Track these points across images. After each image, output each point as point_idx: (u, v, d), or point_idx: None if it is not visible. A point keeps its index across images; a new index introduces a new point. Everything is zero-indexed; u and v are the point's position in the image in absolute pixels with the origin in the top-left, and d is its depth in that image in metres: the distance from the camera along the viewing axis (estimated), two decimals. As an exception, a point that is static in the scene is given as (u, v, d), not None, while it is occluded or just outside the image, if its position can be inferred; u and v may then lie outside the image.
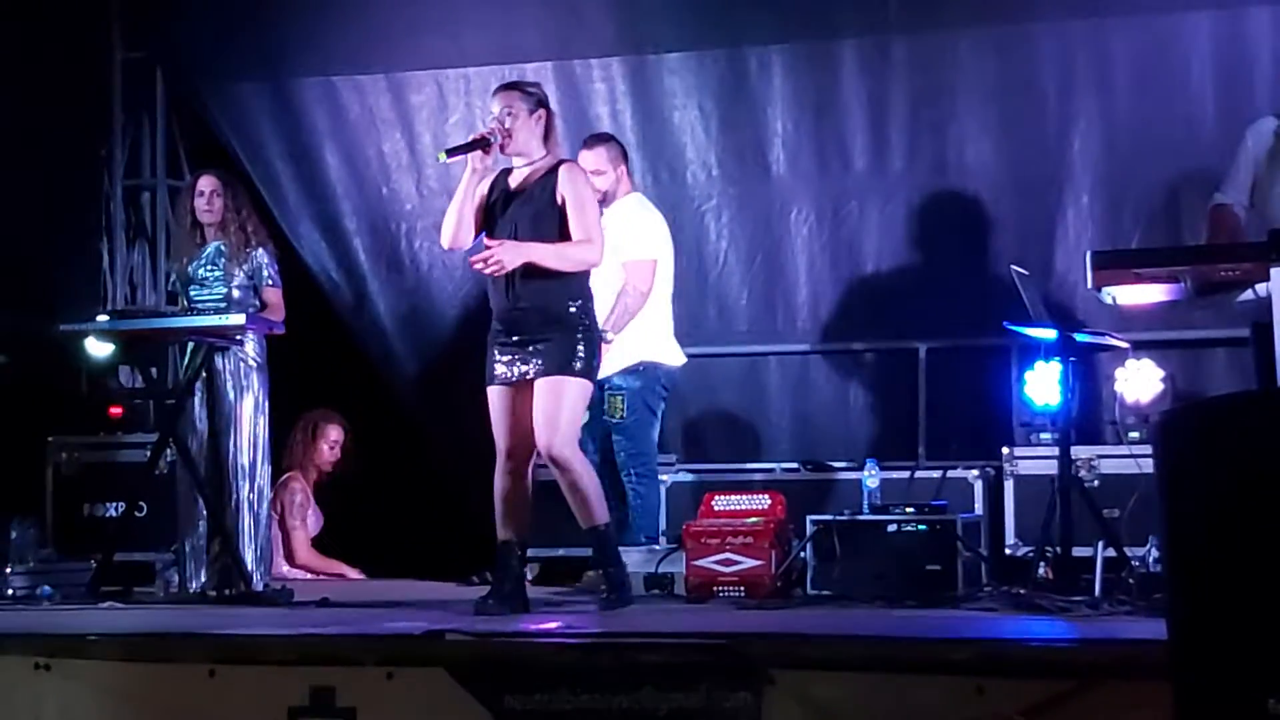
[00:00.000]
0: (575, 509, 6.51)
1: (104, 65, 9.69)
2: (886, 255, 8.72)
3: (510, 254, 6.28)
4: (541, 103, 6.52)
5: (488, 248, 6.28)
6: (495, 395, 6.47)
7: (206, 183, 7.73)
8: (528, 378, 6.39)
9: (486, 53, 9.02)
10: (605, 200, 7.42)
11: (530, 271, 6.35)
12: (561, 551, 8.02)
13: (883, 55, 8.65)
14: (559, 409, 6.34)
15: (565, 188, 6.41)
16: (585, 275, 6.50)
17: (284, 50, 9.24)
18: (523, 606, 6.46)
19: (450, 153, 6.47)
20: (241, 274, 7.60)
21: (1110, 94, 8.35)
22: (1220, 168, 6.68)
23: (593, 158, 7.58)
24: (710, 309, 8.96)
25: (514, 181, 6.50)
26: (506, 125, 6.42)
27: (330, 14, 9.03)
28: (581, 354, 6.38)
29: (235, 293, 7.57)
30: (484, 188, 6.51)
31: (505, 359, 6.42)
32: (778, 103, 8.79)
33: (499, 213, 6.46)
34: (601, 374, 7.07)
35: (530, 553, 8.06)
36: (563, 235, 6.38)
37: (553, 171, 6.46)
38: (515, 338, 6.40)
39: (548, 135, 6.53)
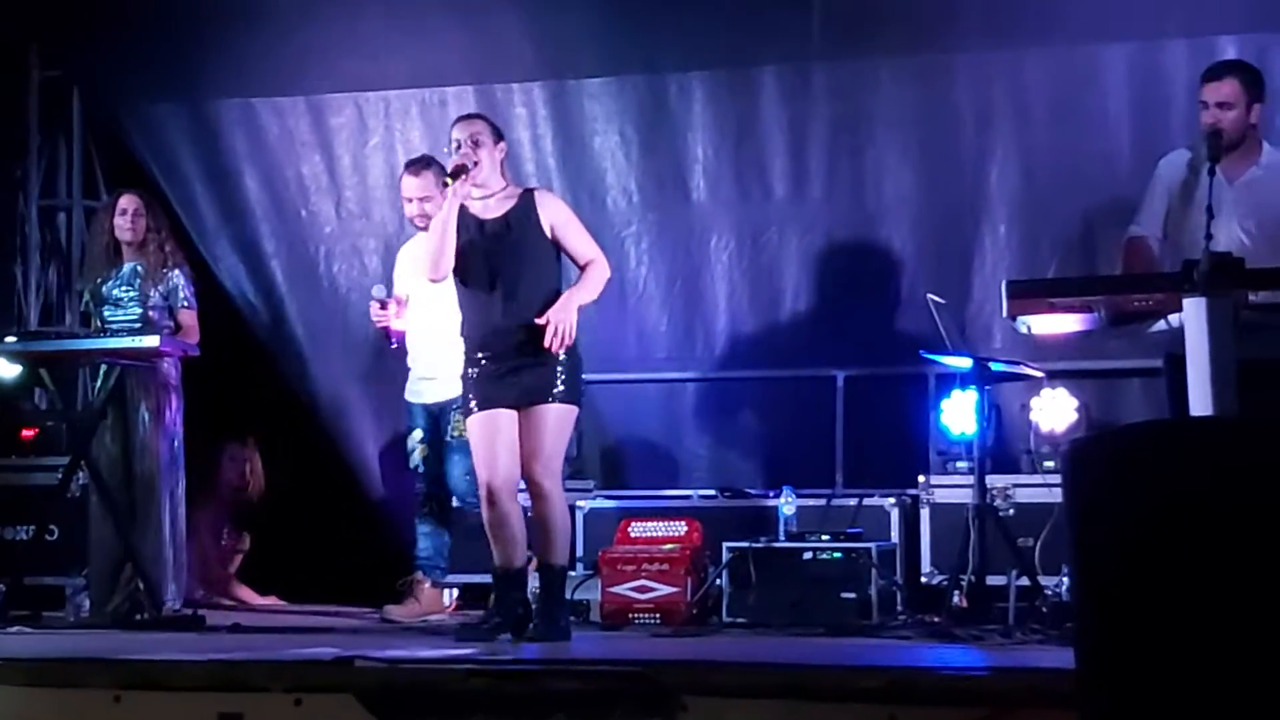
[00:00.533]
0: (539, 540, 6.46)
1: (20, 84, 9.58)
2: (805, 282, 8.73)
3: (571, 313, 6.37)
4: (501, 135, 6.64)
5: (549, 322, 6.29)
6: (480, 422, 6.42)
7: (129, 201, 7.70)
8: (511, 405, 6.36)
9: (407, 76, 8.99)
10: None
11: (513, 298, 6.34)
12: (479, 578, 7.96)
13: (803, 83, 8.67)
14: (544, 436, 6.35)
15: (550, 214, 6.49)
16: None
17: (203, 71, 9.17)
18: (519, 633, 6.43)
19: (454, 177, 6.39)
20: (157, 295, 7.55)
21: (1028, 124, 8.41)
22: (1136, 199, 6.73)
23: (419, 184, 7.49)
24: (629, 335, 8.94)
25: (480, 213, 6.48)
26: (477, 154, 6.41)
27: (250, 35, 8.96)
28: (564, 379, 6.37)
29: (151, 314, 7.52)
30: (455, 214, 6.47)
31: (490, 386, 6.39)
32: (698, 129, 8.80)
33: (472, 244, 6.44)
34: (448, 395, 7.23)
35: (451, 578, 8.08)
36: (548, 259, 6.45)
37: (526, 201, 6.49)
38: (497, 364, 6.38)
39: (503, 166, 6.59)
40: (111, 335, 7.40)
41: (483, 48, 8.89)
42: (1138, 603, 3.62)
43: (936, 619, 6.61)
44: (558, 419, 6.38)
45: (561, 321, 6.29)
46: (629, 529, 7.44)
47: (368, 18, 8.86)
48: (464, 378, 6.50)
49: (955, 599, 6.78)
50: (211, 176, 9.34)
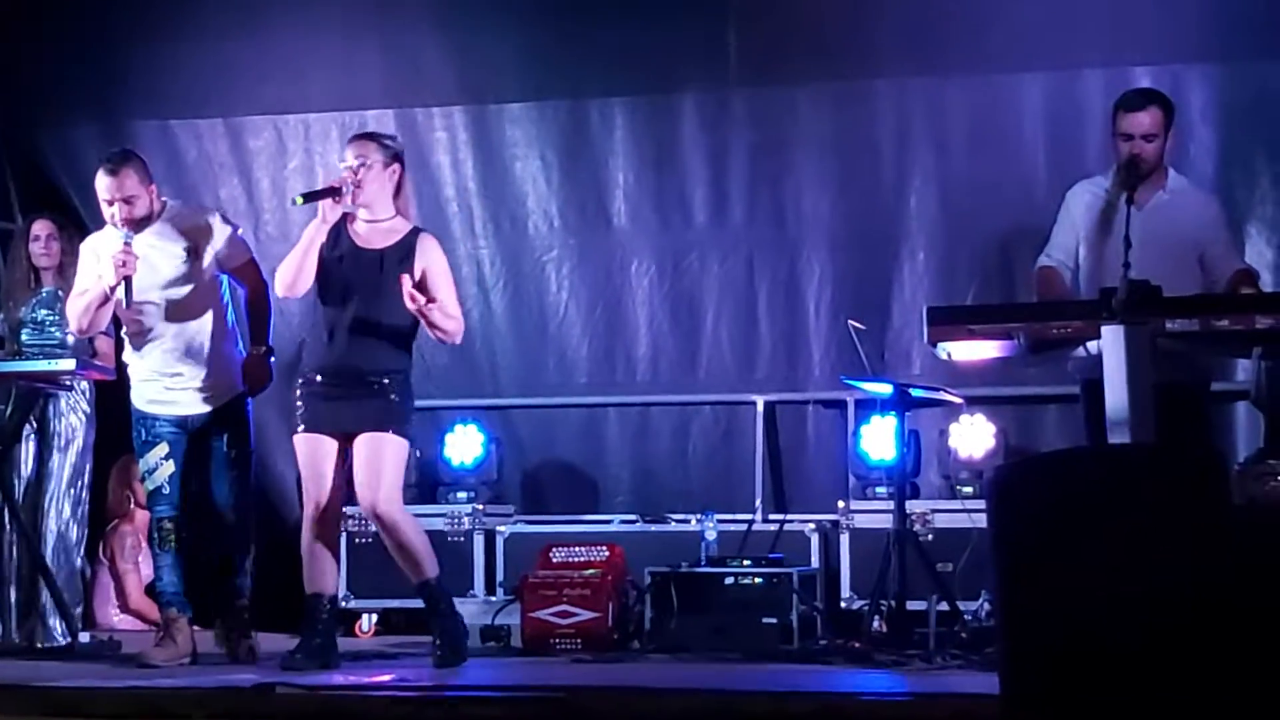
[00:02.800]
0: (405, 566, 6.42)
1: (-66, 105, 9.48)
2: (726, 308, 8.75)
3: (426, 308, 6.30)
4: (397, 157, 6.54)
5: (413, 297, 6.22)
6: (306, 444, 6.40)
7: (41, 227, 7.65)
8: (344, 429, 6.32)
9: (327, 99, 8.96)
10: (143, 224, 6.70)
11: (366, 331, 6.30)
12: (396, 603, 7.93)
13: (723, 109, 8.70)
14: (382, 467, 6.30)
15: (426, 261, 6.44)
16: (410, 339, 6.47)
17: (120, 93, 9.10)
18: (333, 661, 6.38)
19: (306, 198, 6.41)
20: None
21: (946, 151, 8.47)
22: (1052, 226, 6.80)
23: (124, 184, 6.65)
24: (550, 360, 8.93)
25: (358, 237, 6.45)
26: (359, 175, 6.37)
27: (168, 57, 8.91)
28: (399, 414, 6.35)
29: (70, 338, 7.45)
30: (322, 236, 6.45)
31: (321, 407, 6.36)
32: (619, 154, 8.81)
33: (340, 266, 6.40)
34: (215, 402, 6.74)
35: (368, 604, 8.03)
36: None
37: (408, 243, 6.45)
38: (335, 390, 6.34)
39: (398, 192, 6.52)
40: (28, 359, 7.32)
41: (403, 71, 8.87)
42: (1059, 626, 3.65)
43: (857, 644, 6.63)
44: (396, 449, 6.37)
45: (420, 300, 6.24)
46: (550, 554, 7.43)
47: (288, 40, 8.83)
48: (295, 395, 6.47)
49: (875, 624, 6.81)
50: (128, 199, 9.26)
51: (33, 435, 7.44)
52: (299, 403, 6.43)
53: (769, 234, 8.71)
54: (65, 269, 7.53)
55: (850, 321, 7.18)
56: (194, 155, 9.19)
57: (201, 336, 6.68)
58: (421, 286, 6.37)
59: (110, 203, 6.68)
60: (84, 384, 7.40)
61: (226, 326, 6.77)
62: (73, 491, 7.45)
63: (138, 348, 6.78)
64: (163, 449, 6.71)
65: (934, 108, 8.48)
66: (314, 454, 6.38)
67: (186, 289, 6.67)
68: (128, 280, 6.51)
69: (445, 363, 8.86)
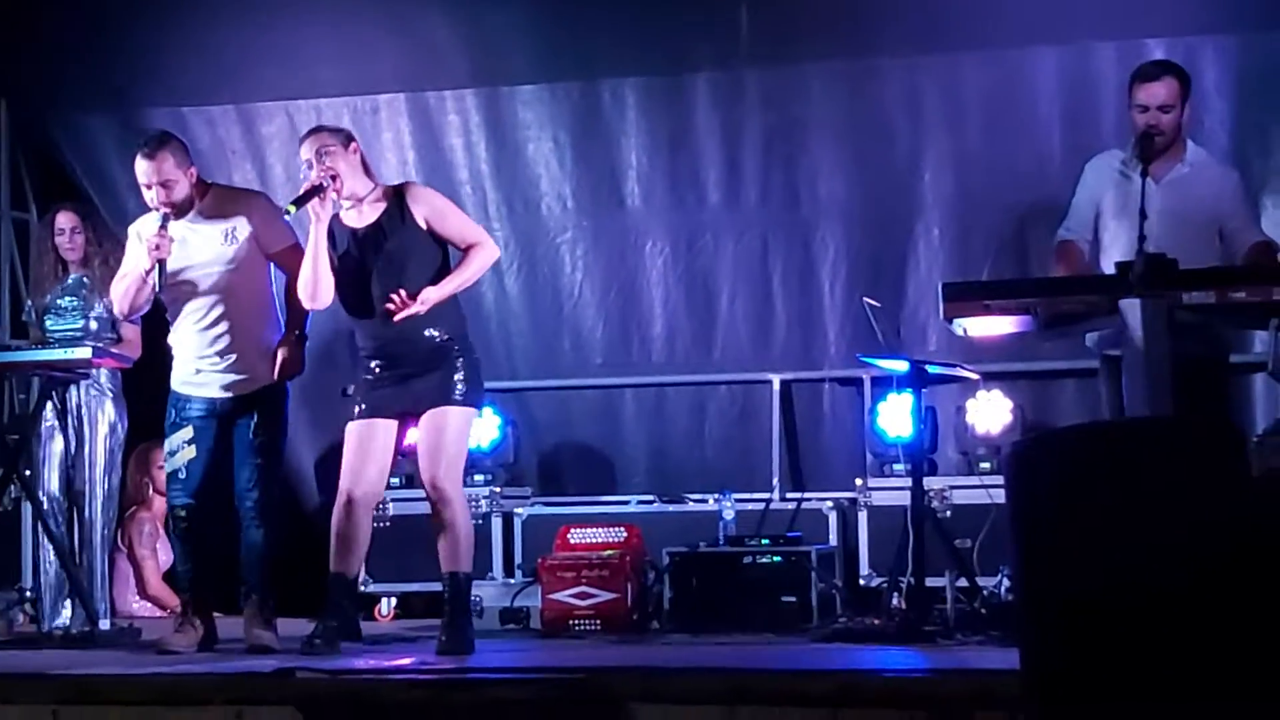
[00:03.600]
0: (442, 548, 6.34)
1: (-54, 96, 9.49)
2: (741, 287, 8.74)
3: (435, 296, 6.24)
4: (350, 136, 6.50)
5: (396, 303, 6.18)
6: (359, 429, 6.36)
7: (66, 219, 7.65)
8: (406, 411, 6.31)
9: (339, 84, 8.95)
10: (182, 211, 6.63)
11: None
12: (416, 587, 7.95)
13: (735, 88, 8.69)
14: (443, 439, 6.27)
15: (422, 208, 6.38)
16: (458, 304, 6.43)
17: (132, 81, 9.10)
18: (354, 636, 6.41)
19: (297, 204, 6.31)
20: (101, 306, 7.50)
21: (959, 128, 8.45)
22: (1067, 200, 6.78)
23: (161, 168, 6.57)
24: (565, 341, 8.94)
25: (354, 222, 6.42)
26: (328, 164, 6.32)
27: (180, 45, 8.91)
28: (462, 381, 6.30)
29: (92, 324, 7.47)
30: (324, 238, 6.42)
31: (380, 394, 6.34)
32: (632, 135, 8.80)
33: (346, 253, 6.38)
34: (250, 387, 6.62)
35: (387, 588, 8.04)
36: (431, 256, 6.34)
37: (397, 200, 6.40)
38: (391, 371, 6.32)
39: (366, 168, 6.49)
40: (51, 347, 7.33)
41: (415, 55, 8.86)
42: (1079, 603, 3.64)
43: (876, 621, 6.63)
44: (458, 421, 6.32)
45: (423, 301, 6.20)
46: (568, 535, 7.43)
47: (298, 25, 8.82)
48: (356, 382, 6.46)
49: (894, 601, 6.81)
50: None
51: (57, 424, 7.45)
52: (360, 391, 6.41)
53: (783, 213, 8.70)
54: (90, 259, 7.55)
55: (865, 299, 7.17)
56: (207, 142, 9.19)
57: (239, 319, 6.59)
58: (433, 235, 6.35)
59: (149, 187, 6.62)
60: (104, 372, 7.40)
61: (267, 311, 6.68)
62: (108, 480, 7.47)
63: (177, 329, 6.74)
64: (187, 433, 6.64)
65: (947, 84, 8.46)
66: (367, 438, 6.33)
67: (226, 270, 6.59)
68: (161, 264, 6.48)
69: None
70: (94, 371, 7.32)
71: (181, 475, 6.65)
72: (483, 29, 8.77)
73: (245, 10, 8.83)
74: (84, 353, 7.14)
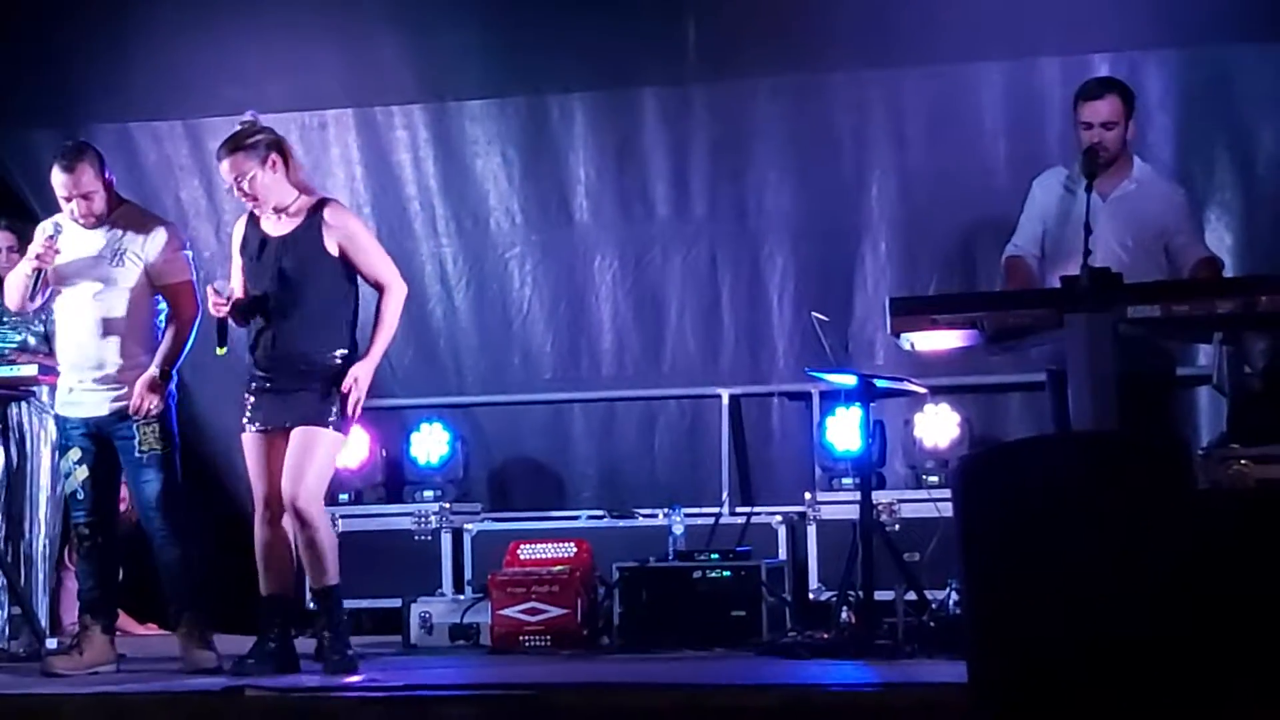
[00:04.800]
0: (308, 566, 6.28)
1: (-109, 111, 9.42)
2: (689, 302, 8.76)
3: (363, 385, 6.23)
4: (269, 146, 6.29)
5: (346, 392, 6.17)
6: (253, 442, 6.31)
7: (3, 239, 7.62)
8: (285, 426, 6.26)
9: (286, 99, 8.91)
10: (100, 221, 6.59)
11: (289, 317, 6.24)
12: (366, 604, 7.93)
13: (683, 103, 8.71)
14: (307, 460, 6.17)
15: (336, 232, 6.29)
16: (344, 321, 6.33)
17: (78, 96, 9.05)
18: (290, 665, 6.25)
19: (222, 344, 6.26)
20: (38, 322, 7.45)
21: (905, 142, 8.49)
22: (1012, 215, 6.83)
23: (80, 180, 6.53)
24: (515, 356, 8.93)
25: (270, 229, 6.34)
26: (249, 190, 6.24)
27: (126, 60, 8.87)
28: (335, 407, 6.23)
29: (30, 340, 7.43)
30: (237, 238, 6.42)
31: (262, 405, 6.28)
32: (580, 150, 8.81)
33: (255, 259, 6.32)
34: (125, 403, 6.51)
35: (355, 604, 7.97)
36: (335, 279, 6.26)
37: (313, 217, 6.31)
38: (272, 385, 6.26)
39: (289, 170, 6.34)
40: (-7, 364, 7.29)
41: (362, 70, 8.85)
42: (1026, 615, 3.66)
43: (826, 635, 6.64)
44: (327, 445, 6.24)
45: (354, 399, 6.19)
46: (518, 551, 7.42)
47: (246, 41, 8.80)
48: (244, 393, 6.37)
49: (844, 615, 6.82)
50: (88, 202, 9.23)
51: (1, 441, 7.40)
52: (246, 400, 6.34)
53: (731, 227, 8.72)
54: (28, 276, 7.50)
55: (814, 313, 7.19)
56: (154, 158, 9.16)
57: (120, 340, 6.51)
58: (344, 259, 6.28)
59: (68, 199, 6.55)
60: (46, 389, 7.35)
61: (148, 336, 6.58)
62: (51, 497, 7.42)
63: (61, 344, 6.70)
64: (75, 454, 6.57)
65: (892, 99, 8.50)
66: (259, 451, 6.29)
67: (114, 290, 6.53)
68: (40, 273, 6.44)
69: (410, 361, 8.87)
70: (36, 389, 7.28)
71: (80, 496, 6.58)
72: (430, 44, 8.76)
73: (192, 26, 8.79)
74: (30, 370, 7.10)
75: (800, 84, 8.57)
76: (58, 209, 6.74)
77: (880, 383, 7.01)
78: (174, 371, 6.59)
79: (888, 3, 8.22)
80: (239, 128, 6.37)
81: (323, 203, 6.38)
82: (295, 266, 6.25)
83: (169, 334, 6.57)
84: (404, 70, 8.84)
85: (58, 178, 6.57)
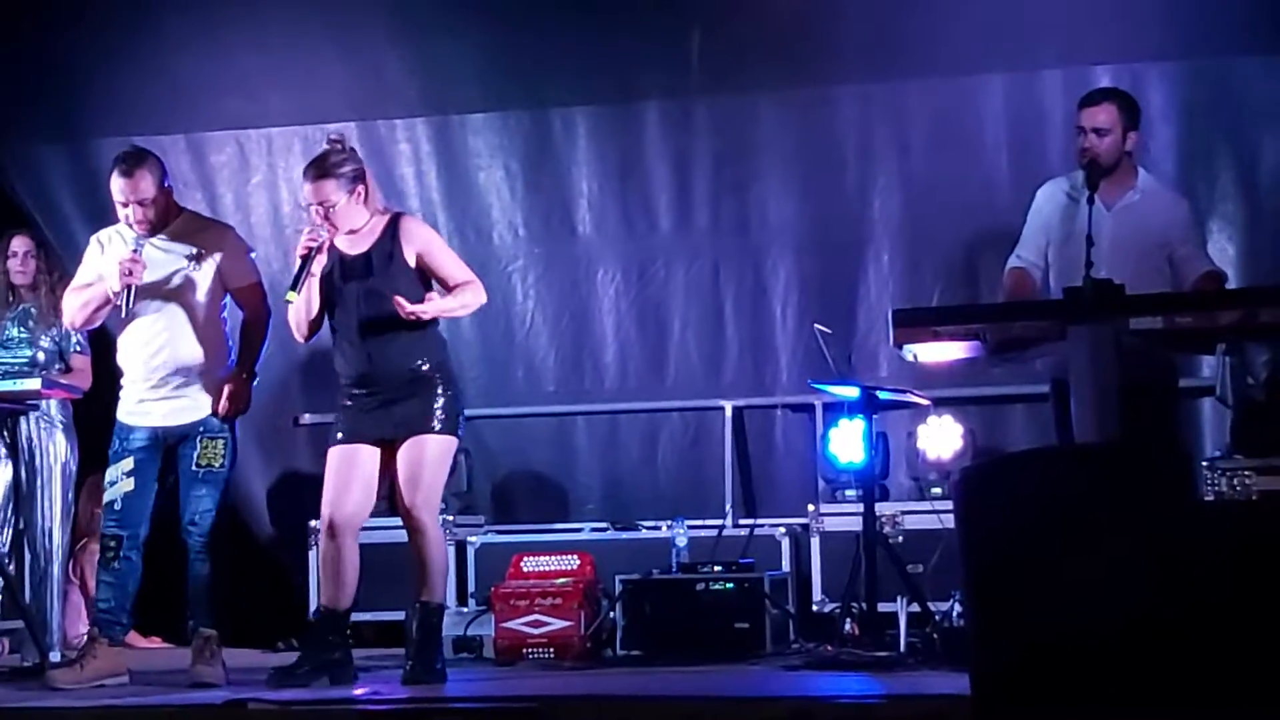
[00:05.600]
0: (416, 576, 6.31)
1: (-108, 125, 9.43)
2: (692, 314, 8.76)
3: (433, 305, 6.23)
4: (357, 176, 6.34)
5: (409, 312, 6.15)
6: (339, 454, 6.31)
7: (20, 243, 7.62)
8: (385, 437, 6.28)
9: (288, 113, 8.94)
10: (155, 230, 6.57)
11: (382, 330, 6.26)
12: (369, 616, 7.93)
13: (685, 116, 8.71)
14: (422, 468, 6.23)
15: (414, 244, 6.34)
16: (439, 333, 6.42)
17: (81, 111, 9.06)
18: (346, 677, 6.26)
19: (296, 288, 6.23)
20: (49, 338, 7.47)
21: (908, 154, 8.49)
22: (1015, 226, 6.83)
23: (139, 186, 6.49)
24: (518, 369, 8.93)
25: (344, 248, 6.37)
26: (331, 221, 6.27)
27: (128, 74, 8.87)
28: (442, 410, 6.27)
29: (40, 355, 7.44)
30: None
31: (360, 418, 6.29)
32: (582, 163, 8.82)
33: (338, 283, 6.33)
34: (193, 415, 6.53)
35: (365, 616, 7.97)
36: (415, 289, 6.29)
37: (389, 233, 6.36)
38: (372, 396, 6.28)
39: (367, 199, 6.40)
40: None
41: (365, 83, 8.85)
42: (1030, 626, 3.66)
43: (829, 647, 6.64)
44: (437, 450, 6.29)
45: (416, 310, 6.18)
46: (521, 564, 7.42)
47: (248, 55, 8.80)
48: (338, 408, 6.39)
49: (847, 627, 6.82)
50: (91, 217, 9.19)
51: (7, 456, 7.41)
52: (339, 416, 6.35)
53: (734, 240, 8.72)
54: (39, 286, 7.52)
55: (816, 325, 7.19)
56: (157, 171, 9.15)
57: (188, 348, 6.49)
58: (421, 269, 6.33)
59: (125, 204, 6.51)
60: (54, 403, 7.37)
61: (218, 344, 6.57)
62: (59, 512, 7.42)
63: (124, 351, 6.61)
64: (128, 464, 6.53)
65: (895, 112, 8.50)
66: (347, 464, 6.28)
67: (184, 299, 6.50)
68: (130, 289, 6.40)
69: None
70: (44, 403, 7.29)
71: (116, 507, 6.54)
72: (433, 58, 8.77)
73: (195, 40, 8.80)
74: (34, 384, 7.10)
75: (803, 97, 8.57)
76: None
77: (883, 394, 7.01)
78: (257, 371, 6.61)
79: (890, 16, 8.22)
80: (327, 147, 6.40)
81: (397, 217, 6.46)
82: (377, 285, 6.27)
83: (246, 336, 6.60)
84: (407, 83, 8.85)
85: (116, 183, 6.52)
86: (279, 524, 8.84)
